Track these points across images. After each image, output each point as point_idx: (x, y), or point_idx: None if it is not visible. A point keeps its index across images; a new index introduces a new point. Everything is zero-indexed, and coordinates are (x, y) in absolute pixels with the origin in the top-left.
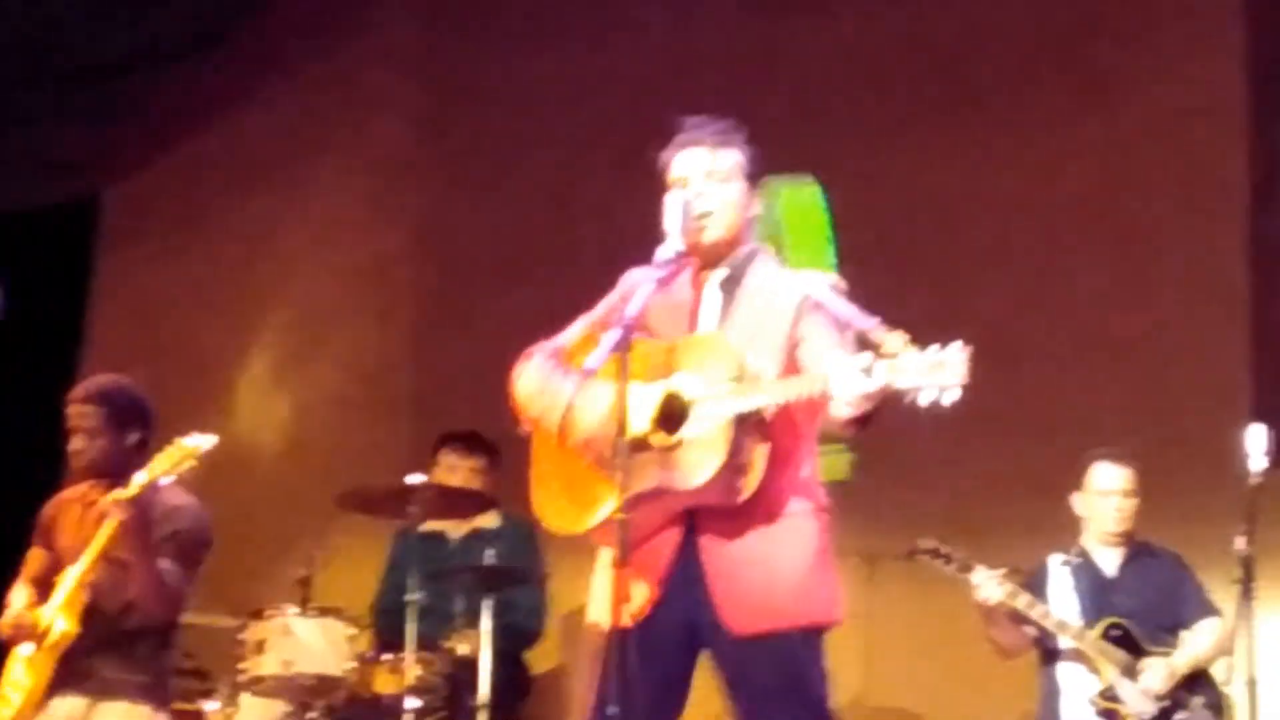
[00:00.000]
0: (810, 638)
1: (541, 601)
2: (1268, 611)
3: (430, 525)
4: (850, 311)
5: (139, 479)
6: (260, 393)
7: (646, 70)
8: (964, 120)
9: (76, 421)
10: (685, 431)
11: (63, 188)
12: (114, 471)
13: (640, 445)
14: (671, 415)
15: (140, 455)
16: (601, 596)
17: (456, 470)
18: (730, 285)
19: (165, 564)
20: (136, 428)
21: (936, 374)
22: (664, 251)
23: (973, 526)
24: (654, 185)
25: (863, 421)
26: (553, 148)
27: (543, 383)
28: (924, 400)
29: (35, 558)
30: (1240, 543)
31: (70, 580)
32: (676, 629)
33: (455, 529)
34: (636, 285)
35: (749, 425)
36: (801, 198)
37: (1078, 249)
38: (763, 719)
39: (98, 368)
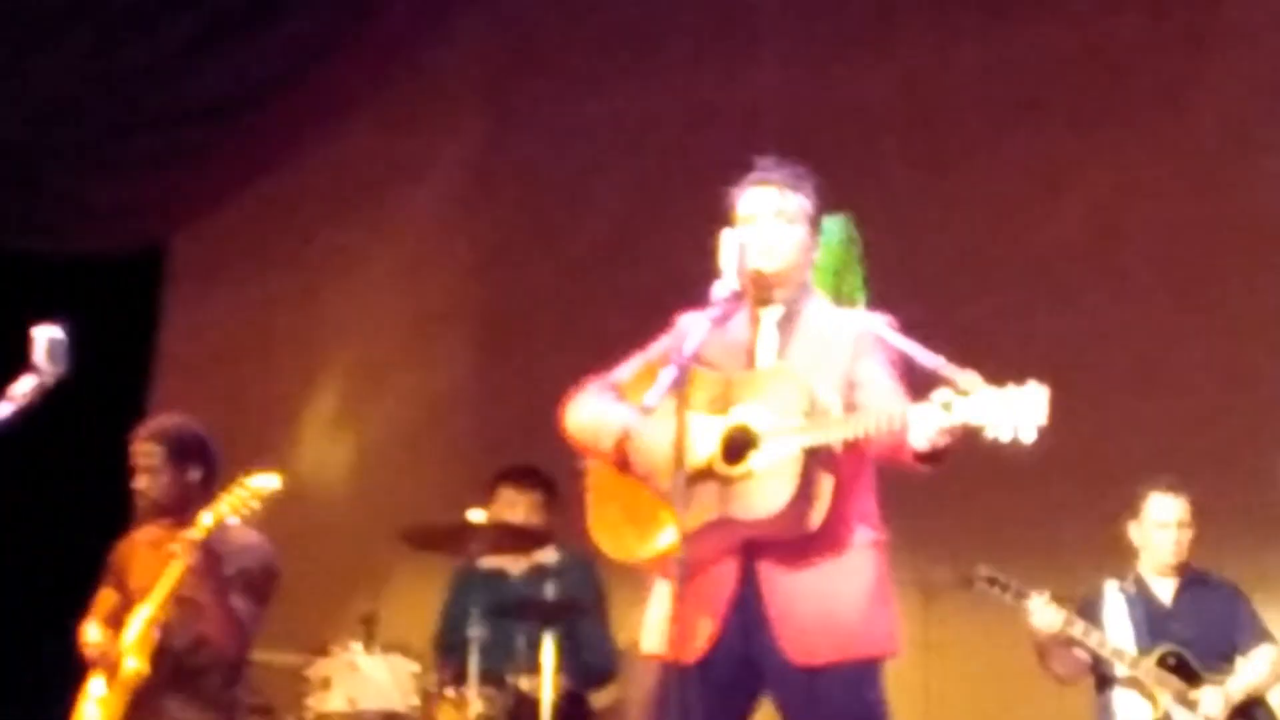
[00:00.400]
0: (871, 669)
1: (610, 639)
2: None
3: (490, 562)
4: (913, 349)
5: (205, 521)
6: (325, 433)
7: (707, 111)
8: (1017, 154)
9: (139, 460)
10: (751, 463)
11: (130, 234)
12: (177, 509)
13: (702, 476)
14: (738, 446)
15: (203, 493)
16: (657, 628)
17: (516, 505)
18: (786, 324)
19: (235, 601)
20: (198, 464)
21: (1016, 412)
22: (719, 290)
23: (1029, 556)
24: (715, 226)
25: (937, 458)
26: (616, 187)
27: (596, 411)
28: (1003, 438)
29: (106, 598)
30: None
31: (141, 620)
32: (735, 664)
33: (515, 565)
34: (692, 325)
35: (819, 457)
36: (835, 233)
37: (1129, 280)
38: None
39: (165, 412)
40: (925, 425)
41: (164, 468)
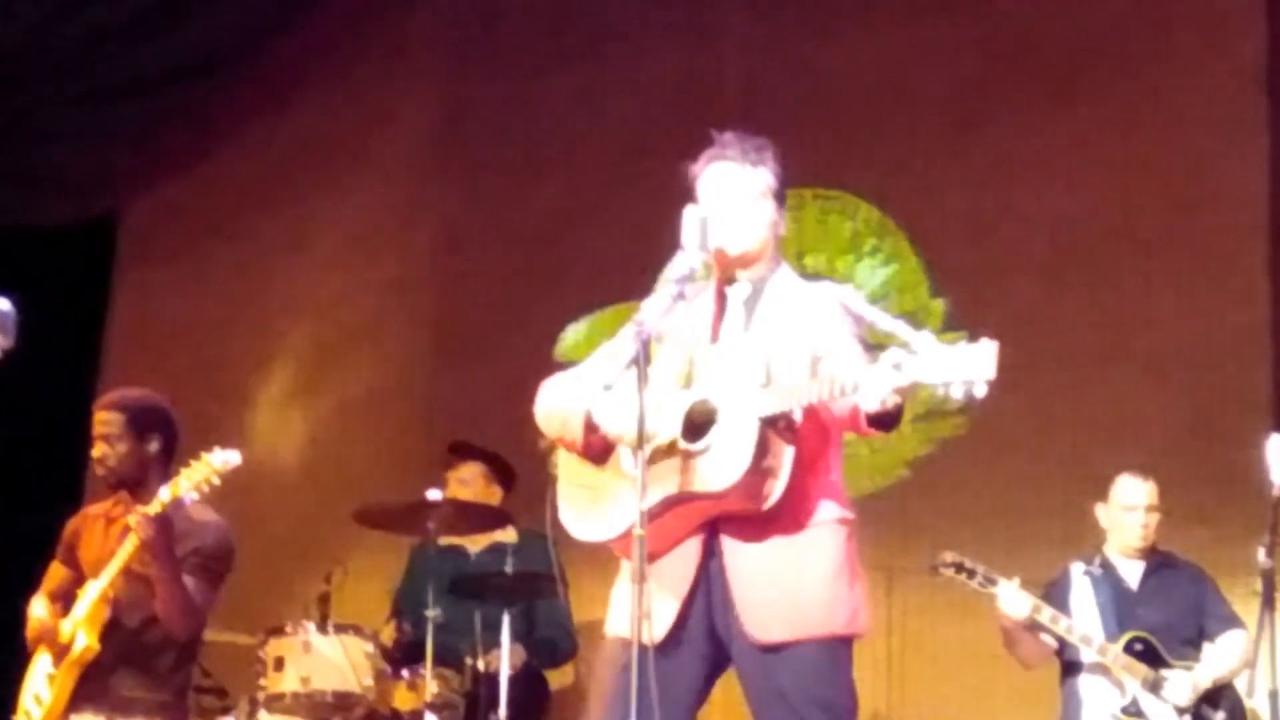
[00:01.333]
0: (835, 648)
1: (568, 617)
2: None
3: (449, 539)
4: (873, 313)
5: (163, 495)
6: (278, 411)
7: (668, 87)
8: (988, 135)
9: (98, 428)
10: (711, 437)
11: (80, 206)
12: (133, 480)
13: (665, 453)
14: (697, 422)
15: (162, 466)
16: (621, 609)
17: (466, 482)
18: (752, 300)
19: (188, 580)
20: (157, 436)
21: (966, 368)
22: (680, 265)
23: (995, 540)
24: (679, 202)
25: (886, 422)
26: (574, 164)
27: (562, 399)
28: (955, 394)
29: (56, 572)
30: (1262, 555)
31: (92, 595)
32: (700, 641)
33: (474, 542)
34: (654, 303)
35: (776, 429)
36: (824, 212)
37: (1102, 264)
38: None
39: (116, 386)
40: (877, 386)
41: (123, 436)
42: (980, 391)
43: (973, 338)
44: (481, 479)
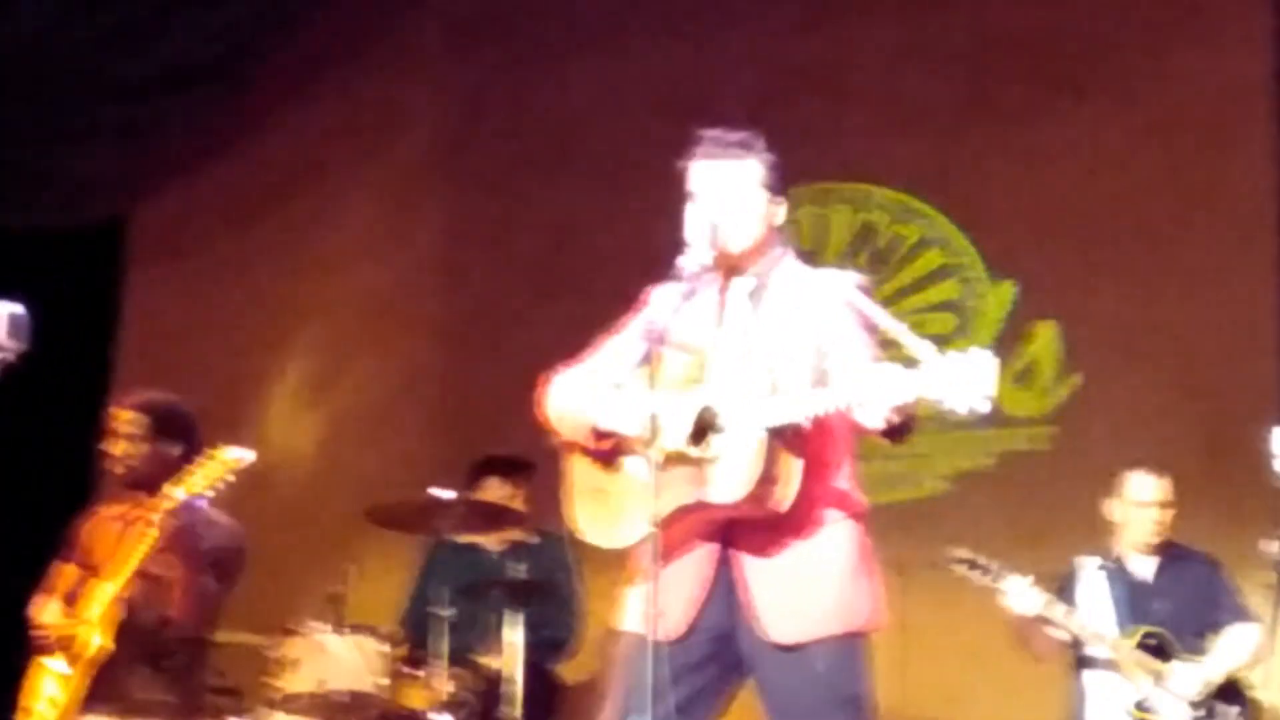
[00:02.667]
0: (851, 644)
1: (573, 613)
2: None
3: (467, 537)
4: (878, 314)
5: (178, 494)
6: (290, 411)
7: (673, 87)
8: (992, 121)
9: (121, 427)
10: (719, 445)
11: (90, 209)
12: (149, 482)
13: (676, 459)
14: (704, 428)
15: (179, 469)
16: (635, 606)
17: (504, 497)
18: (757, 294)
19: (203, 579)
20: (181, 442)
21: (966, 383)
22: (687, 263)
23: (1003, 537)
24: (683, 200)
25: (896, 431)
26: (581, 165)
27: (573, 399)
28: (957, 409)
29: (66, 573)
30: (1273, 547)
31: (106, 595)
32: (716, 643)
33: (491, 542)
34: (662, 300)
35: (785, 437)
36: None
37: (1109, 254)
38: None
39: (128, 388)
40: (879, 402)
41: (147, 438)
42: (982, 407)
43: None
44: (511, 497)
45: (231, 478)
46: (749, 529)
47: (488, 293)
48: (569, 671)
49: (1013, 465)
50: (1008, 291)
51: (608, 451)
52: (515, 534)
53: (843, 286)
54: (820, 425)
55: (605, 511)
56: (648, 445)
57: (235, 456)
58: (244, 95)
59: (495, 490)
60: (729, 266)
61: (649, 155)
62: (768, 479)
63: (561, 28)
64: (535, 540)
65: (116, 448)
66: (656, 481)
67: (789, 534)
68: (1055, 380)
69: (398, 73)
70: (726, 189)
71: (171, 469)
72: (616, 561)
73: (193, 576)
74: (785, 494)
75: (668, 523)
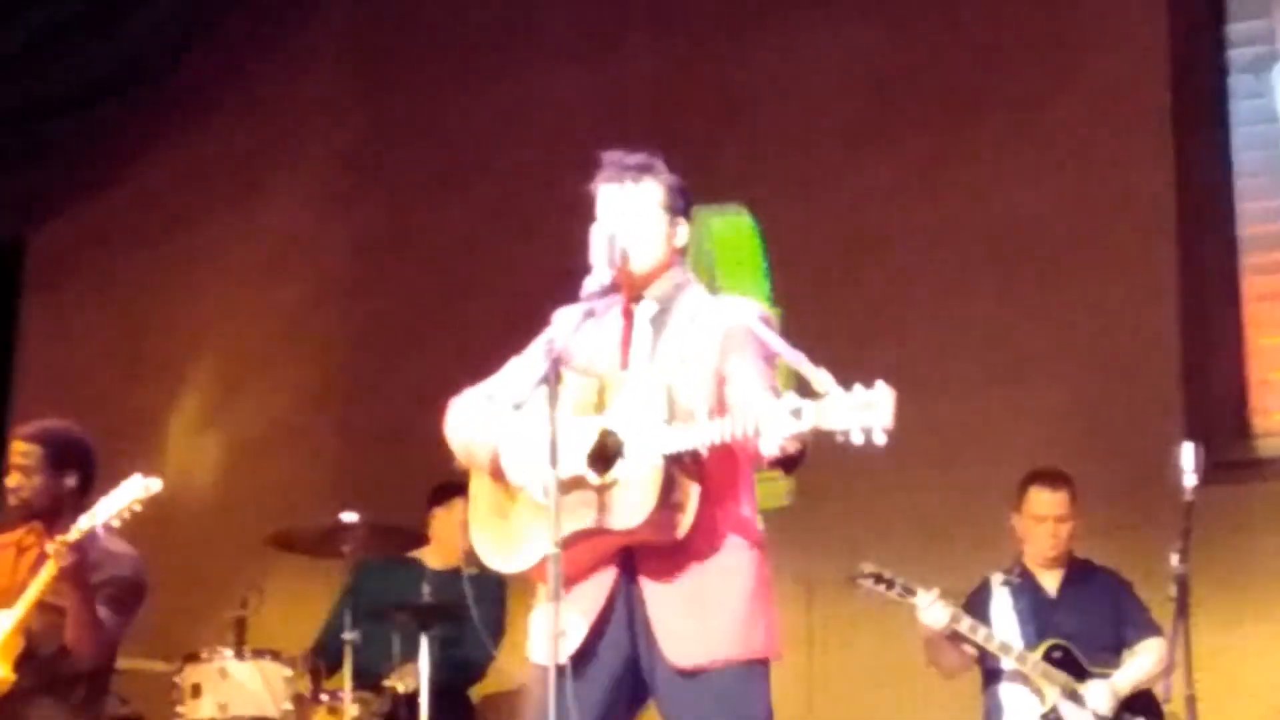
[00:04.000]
0: (751, 671)
1: (488, 635)
2: (1203, 628)
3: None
4: (778, 344)
5: (82, 524)
6: (191, 435)
7: (579, 102)
8: (896, 145)
9: (16, 459)
10: (618, 471)
11: None
12: (47, 513)
13: (575, 484)
14: (605, 454)
15: (77, 500)
16: (538, 633)
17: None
18: (660, 318)
19: (101, 611)
20: (75, 471)
21: (864, 415)
22: (590, 285)
23: (910, 552)
24: (593, 216)
25: (790, 461)
26: (488, 181)
27: (473, 423)
28: (854, 440)
29: None
30: (1175, 560)
31: (6, 625)
32: (616, 664)
33: (433, 560)
34: (565, 321)
35: (683, 464)
36: (732, 227)
37: (1009, 271)
38: None
39: (25, 411)
40: (776, 432)
41: (40, 469)
42: (879, 440)
43: (876, 354)
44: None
45: (139, 507)
46: (648, 554)
47: (392, 312)
48: (479, 690)
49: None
50: None
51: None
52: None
53: (744, 315)
54: (718, 453)
55: (505, 535)
56: (553, 454)
57: (143, 487)
58: (143, 116)
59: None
60: (632, 291)
61: (556, 172)
62: (666, 505)
63: (468, 46)
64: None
65: (11, 479)
66: (557, 504)
67: (688, 559)
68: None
69: (302, 93)
70: (627, 211)
71: (67, 500)
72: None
73: (90, 607)
74: (684, 520)
75: (566, 545)
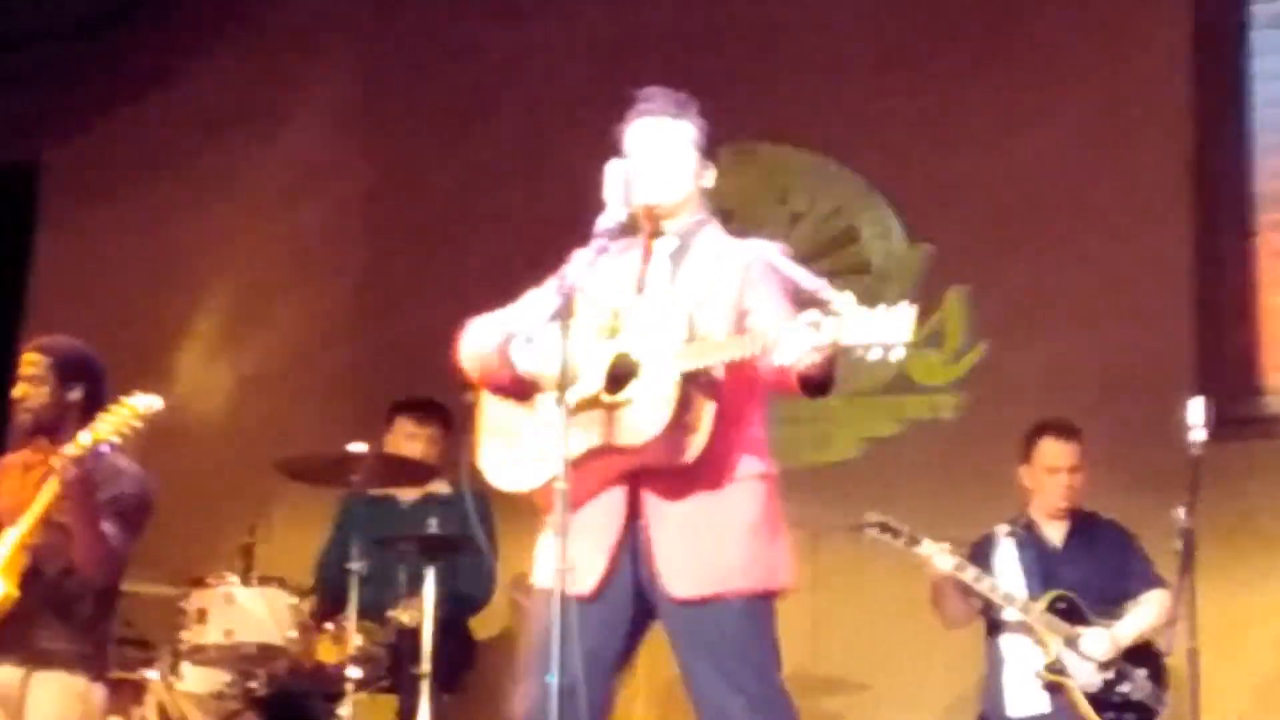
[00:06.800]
0: (757, 604)
1: (488, 568)
2: (1207, 583)
3: (380, 489)
4: (798, 272)
5: (84, 438)
6: (203, 360)
7: (593, 44)
8: (912, 95)
9: (24, 369)
10: (631, 390)
11: (2, 152)
12: (52, 426)
13: (588, 405)
14: (620, 375)
15: (82, 416)
16: (546, 561)
17: (415, 438)
18: (679, 254)
19: (107, 527)
20: (80, 384)
21: (883, 330)
22: (605, 220)
23: (919, 502)
24: (607, 156)
25: (816, 385)
26: (504, 115)
27: (487, 344)
28: (871, 356)
29: None
30: (1181, 514)
31: (10, 542)
32: (627, 596)
33: (406, 494)
34: (581, 257)
35: (698, 384)
36: (751, 169)
37: (1020, 224)
38: (709, 685)
39: (40, 332)
40: (794, 344)
41: (46, 379)
42: (896, 356)
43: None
44: (427, 439)
45: (140, 425)
46: (657, 479)
47: (407, 245)
48: (482, 627)
49: (921, 432)
50: (917, 256)
51: (518, 386)
52: (431, 486)
53: (764, 251)
54: (736, 376)
55: (512, 453)
56: (563, 389)
57: (144, 404)
58: (160, 38)
59: (407, 430)
60: (652, 227)
61: (570, 112)
62: (679, 425)
63: None
64: (448, 492)
65: (18, 390)
66: (567, 429)
67: (697, 485)
68: (964, 347)
69: (313, 21)
70: (662, 145)
71: (72, 414)
72: (530, 513)
73: (96, 524)
74: (694, 442)
75: (575, 467)
